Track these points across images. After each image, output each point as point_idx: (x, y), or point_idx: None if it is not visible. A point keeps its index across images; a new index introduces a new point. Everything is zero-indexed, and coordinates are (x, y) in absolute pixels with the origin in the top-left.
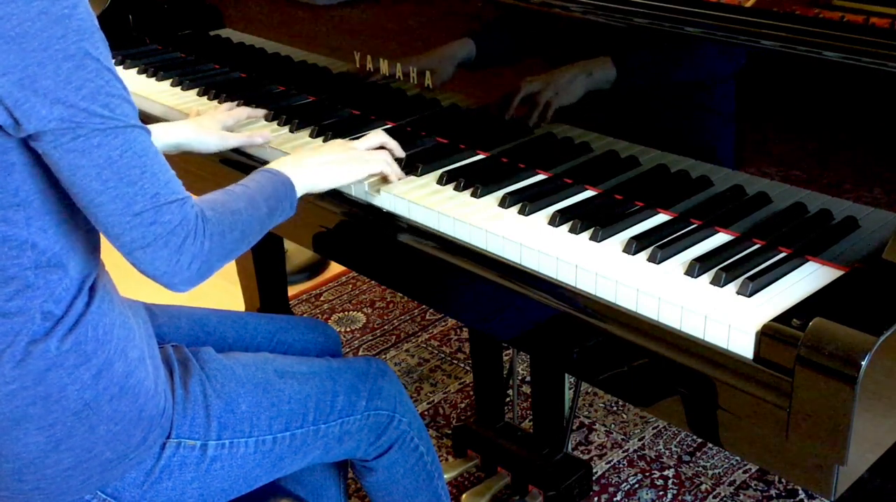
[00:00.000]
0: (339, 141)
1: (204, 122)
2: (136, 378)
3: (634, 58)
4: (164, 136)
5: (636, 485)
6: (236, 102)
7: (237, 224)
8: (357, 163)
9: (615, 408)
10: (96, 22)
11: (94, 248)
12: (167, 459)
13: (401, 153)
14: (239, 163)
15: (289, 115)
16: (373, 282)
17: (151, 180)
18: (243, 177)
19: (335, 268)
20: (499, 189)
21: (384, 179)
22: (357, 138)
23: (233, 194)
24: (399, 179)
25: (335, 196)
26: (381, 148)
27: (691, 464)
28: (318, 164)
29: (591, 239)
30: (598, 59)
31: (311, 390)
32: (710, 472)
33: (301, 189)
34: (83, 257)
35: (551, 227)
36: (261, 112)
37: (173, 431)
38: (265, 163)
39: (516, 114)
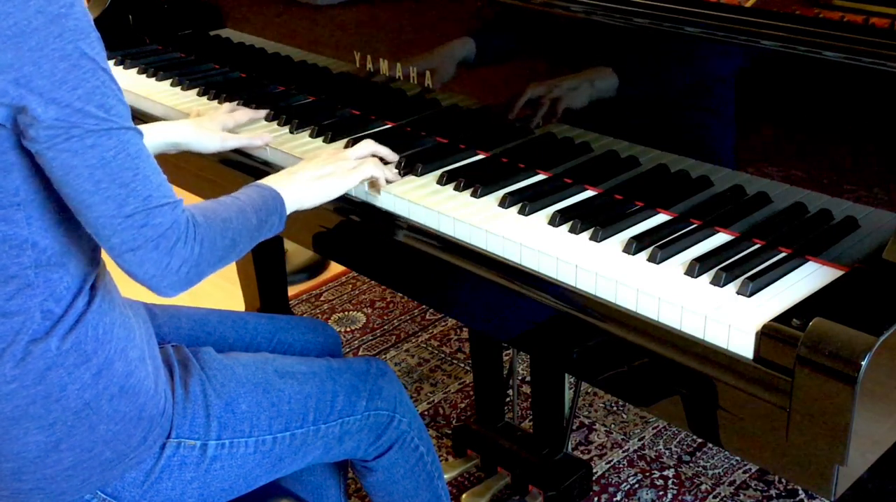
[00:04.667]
0: (329, 150)
1: (204, 123)
2: (136, 377)
3: (634, 58)
4: (164, 135)
5: (636, 485)
6: (236, 102)
7: (228, 231)
8: (345, 174)
9: (615, 408)
10: (92, 22)
11: (95, 248)
12: (167, 459)
13: (393, 157)
14: (239, 163)
15: (289, 115)
16: (373, 282)
17: (143, 182)
18: (243, 178)
19: (335, 268)
20: (499, 189)
21: (374, 184)
22: (354, 139)
23: (224, 204)
24: (389, 182)
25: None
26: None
27: (691, 464)
28: (307, 180)
29: (591, 239)
30: (598, 59)
31: (311, 390)
32: (710, 472)
33: (290, 205)
34: (83, 256)
35: (551, 227)
36: (262, 113)
37: (173, 431)
38: (265, 163)
39: (516, 114)
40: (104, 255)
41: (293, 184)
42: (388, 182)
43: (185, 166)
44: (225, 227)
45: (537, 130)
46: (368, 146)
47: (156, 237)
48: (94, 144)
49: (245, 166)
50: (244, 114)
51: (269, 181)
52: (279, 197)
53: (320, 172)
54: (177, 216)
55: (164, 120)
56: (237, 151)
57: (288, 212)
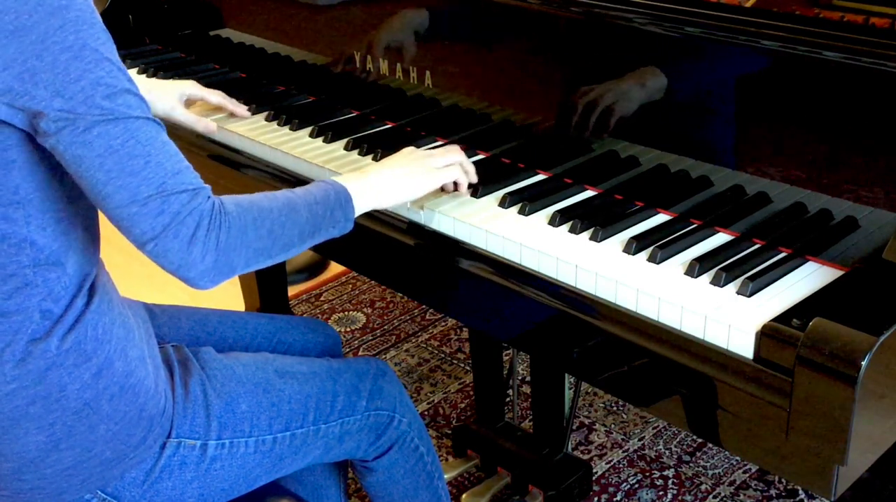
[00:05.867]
0: (410, 149)
1: (165, 86)
2: (136, 377)
3: (634, 58)
4: None
5: (636, 485)
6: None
7: (263, 222)
8: (430, 173)
9: (615, 408)
10: (96, 13)
11: (94, 247)
12: (167, 459)
13: (474, 178)
14: (229, 160)
15: (289, 115)
16: (373, 282)
17: (156, 170)
18: (232, 173)
19: (335, 268)
20: (499, 189)
21: (443, 190)
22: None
23: (270, 195)
24: (464, 193)
25: None
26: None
27: (691, 464)
28: (385, 177)
29: (591, 239)
30: (598, 60)
31: (311, 390)
32: (710, 472)
33: (363, 203)
34: (82, 256)
35: (551, 227)
36: (244, 109)
37: (173, 431)
38: (255, 159)
39: (516, 114)
40: (104, 256)
41: (366, 180)
42: (465, 188)
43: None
44: (260, 218)
45: (537, 130)
46: (457, 154)
47: (174, 225)
48: (101, 133)
49: (237, 164)
50: (218, 96)
51: (341, 177)
52: (345, 192)
53: (401, 170)
54: (197, 204)
55: (164, 120)
56: (233, 149)
57: (361, 211)
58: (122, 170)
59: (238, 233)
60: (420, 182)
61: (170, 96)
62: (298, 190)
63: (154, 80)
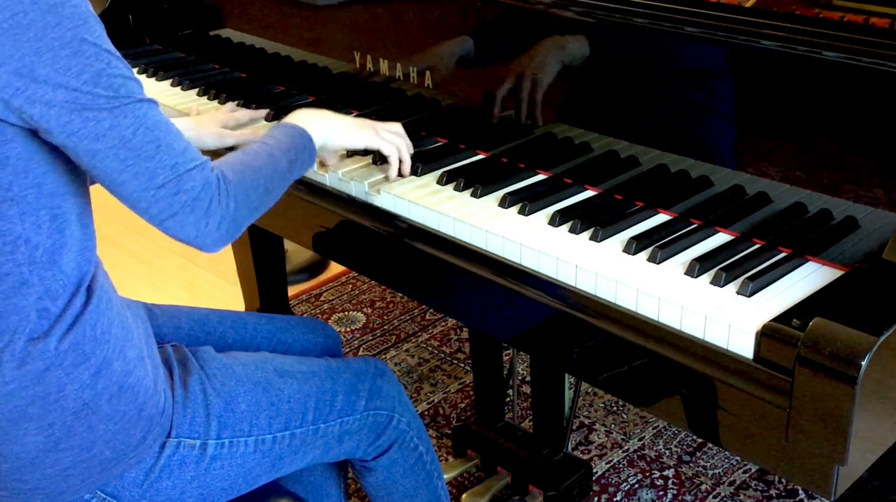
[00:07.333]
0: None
1: (204, 121)
2: (135, 377)
3: (635, 58)
4: None
5: (636, 485)
6: (236, 103)
7: (259, 180)
8: (373, 135)
9: (615, 408)
10: (90, 6)
11: (90, 245)
12: (167, 458)
13: (411, 149)
14: None
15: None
16: (373, 282)
17: (167, 152)
18: None
19: (335, 268)
20: (499, 189)
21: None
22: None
23: (252, 152)
24: (403, 175)
25: (336, 196)
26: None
27: (691, 464)
28: (334, 121)
29: (591, 239)
30: (599, 59)
31: (310, 389)
32: (710, 472)
33: (317, 140)
34: (78, 254)
35: (551, 227)
36: (262, 113)
37: (173, 430)
38: None
39: (516, 114)
40: (102, 256)
41: (321, 120)
42: (399, 175)
43: None
44: (256, 177)
45: (537, 130)
46: (398, 127)
47: (191, 201)
48: (113, 125)
49: None
50: (245, 113)
51: (295, 119)
52: (307, 134)
53: (350, 121)
54: (206, 176)
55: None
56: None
57: (317, 146)
58: (138, 156)
59: (243, 198)
60: (363, 136)
61: (213, 128)
62: (269, 140)
63: (191, 119)
